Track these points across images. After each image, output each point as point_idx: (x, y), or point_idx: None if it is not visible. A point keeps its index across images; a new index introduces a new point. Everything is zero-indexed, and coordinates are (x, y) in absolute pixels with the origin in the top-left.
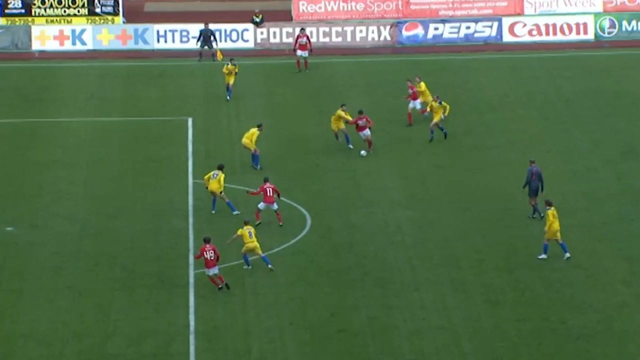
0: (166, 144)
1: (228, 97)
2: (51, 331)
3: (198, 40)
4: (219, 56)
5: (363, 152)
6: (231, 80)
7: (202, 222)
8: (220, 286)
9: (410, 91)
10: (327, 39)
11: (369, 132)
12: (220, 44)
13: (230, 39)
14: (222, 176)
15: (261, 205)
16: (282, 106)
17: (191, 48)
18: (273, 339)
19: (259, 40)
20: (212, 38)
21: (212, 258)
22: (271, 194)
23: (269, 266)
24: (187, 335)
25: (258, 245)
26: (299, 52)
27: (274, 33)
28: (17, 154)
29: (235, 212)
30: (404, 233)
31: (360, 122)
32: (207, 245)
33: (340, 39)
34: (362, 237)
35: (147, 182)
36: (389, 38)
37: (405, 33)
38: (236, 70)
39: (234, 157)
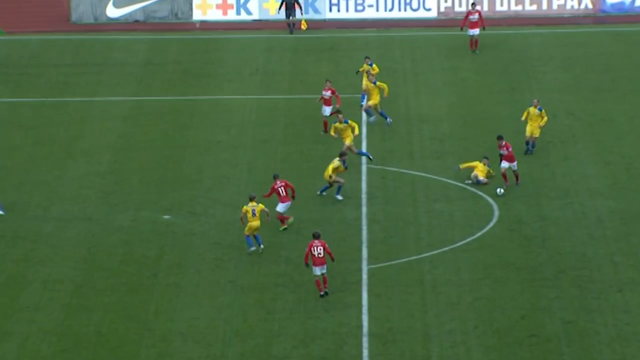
0: None
1: (362, 103)
2: (211, 330)
3: (279, 9)
4: (304, 26)
5: (500, 190)
6: (365, 81)
7: (376, 211)
8: (322, 293)
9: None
10: (519, 7)
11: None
12: (400, 13)
13: (410, 7)
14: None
15: (280, 207)
16: (467, 82)
17: (367, 18)
18: (455, 343)
19: (442, 9)
20: (296, 6)
21: (320, 255)
22: (285, 193)
23: (260, 246)
24: (360, 338)
25: (260, 224)
26: (470, 32)
27: (460, 1)
28: (175, 134)
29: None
30: (605, 226)
31: (502, 152)
32: (316, 241)
33: (534, 7)
34: (556, 230)
35: (315, 167)
36: (590, 6)
37: (609, 0)
38: (373, 71)
39: (412, 139)
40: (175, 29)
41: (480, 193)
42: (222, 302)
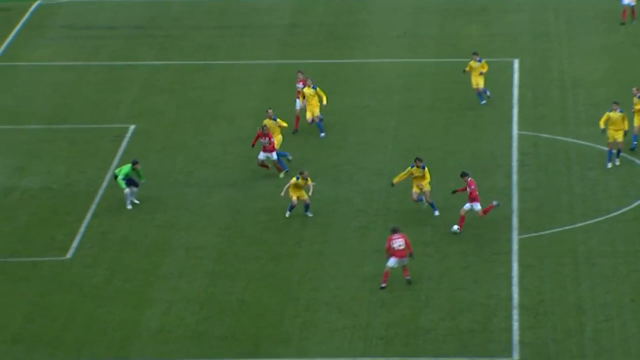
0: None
1: (482, 102)
2: (356, 300)
3: None
4: None
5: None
6: (480, 82)
7: (528, 180)
8: (384, 285)
9: None
10: None
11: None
12: None
13: None
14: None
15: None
16: (624, 47)
17: None
18: (610, 317)
19: None
20: None
21: (401, 247)
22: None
23: (309, 214)
24: (510, 310)
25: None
26: (624, 1)
27: None
28: None
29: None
30: None
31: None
32: (396, 235)
33: None
34: None
35: (463, 133)
36: None
37: None
38: (483, 68)
39: (565, 104)
40: None
41: (637, 160)
42: (368, 271)
